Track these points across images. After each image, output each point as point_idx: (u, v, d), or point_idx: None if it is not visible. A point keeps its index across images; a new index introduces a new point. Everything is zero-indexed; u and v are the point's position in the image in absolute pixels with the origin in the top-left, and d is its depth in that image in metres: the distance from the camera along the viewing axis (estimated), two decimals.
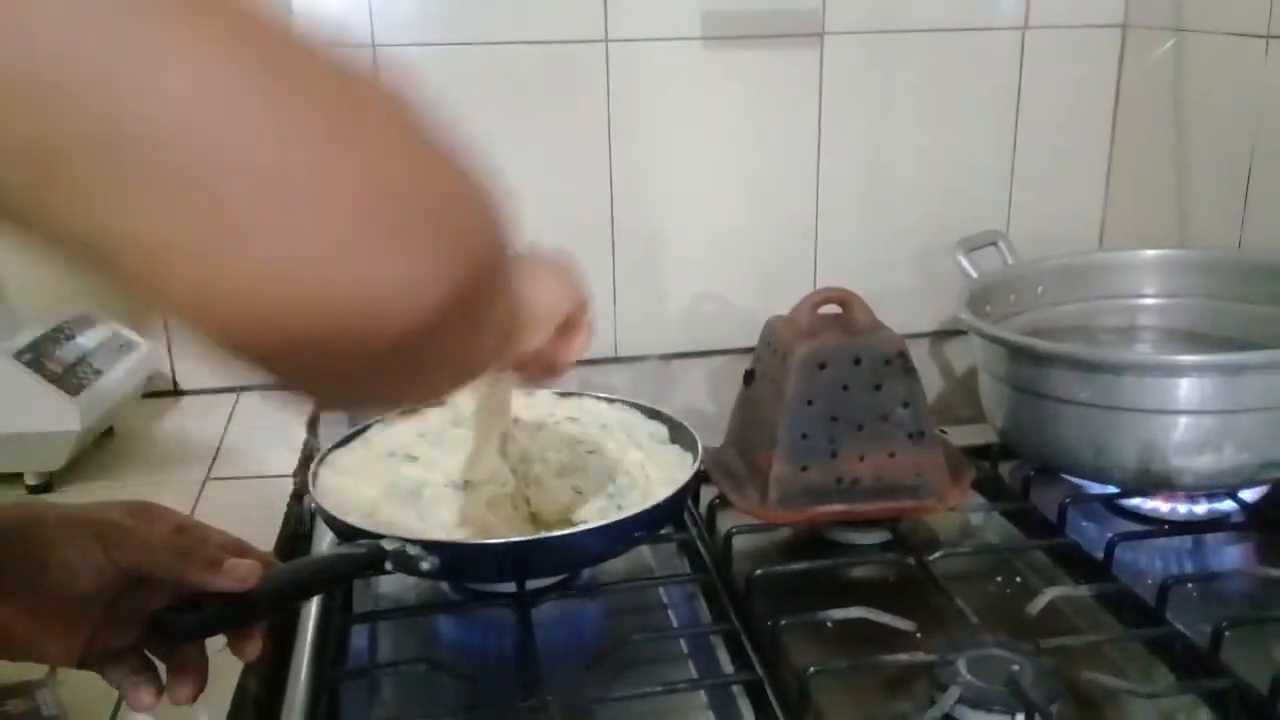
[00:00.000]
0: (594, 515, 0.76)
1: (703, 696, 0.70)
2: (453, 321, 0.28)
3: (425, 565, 0.67)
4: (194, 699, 0.52)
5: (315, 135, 0.25)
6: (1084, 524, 0.89)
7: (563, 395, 0.92)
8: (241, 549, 0.54)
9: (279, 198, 0.24)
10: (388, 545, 0.65)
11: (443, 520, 0.76)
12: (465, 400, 0.81)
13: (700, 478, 0.83)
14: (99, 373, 0.89)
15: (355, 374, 0.28)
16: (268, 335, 0.26)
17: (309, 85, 0.25)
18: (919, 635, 0.71)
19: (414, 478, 0.81)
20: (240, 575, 0.50)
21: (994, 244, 1.06)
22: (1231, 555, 0.86)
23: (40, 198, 0.23)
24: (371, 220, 0.25)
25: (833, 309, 0.85)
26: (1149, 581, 0.77)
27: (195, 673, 0.52)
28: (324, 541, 0.85)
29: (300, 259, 0.25)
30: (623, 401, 0.91)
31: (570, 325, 0.57)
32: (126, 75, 0.22)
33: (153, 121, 0.23)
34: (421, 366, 0.29)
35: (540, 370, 0.60)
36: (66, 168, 0.23)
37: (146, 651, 0.53)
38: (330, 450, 0.84)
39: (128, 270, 0.24)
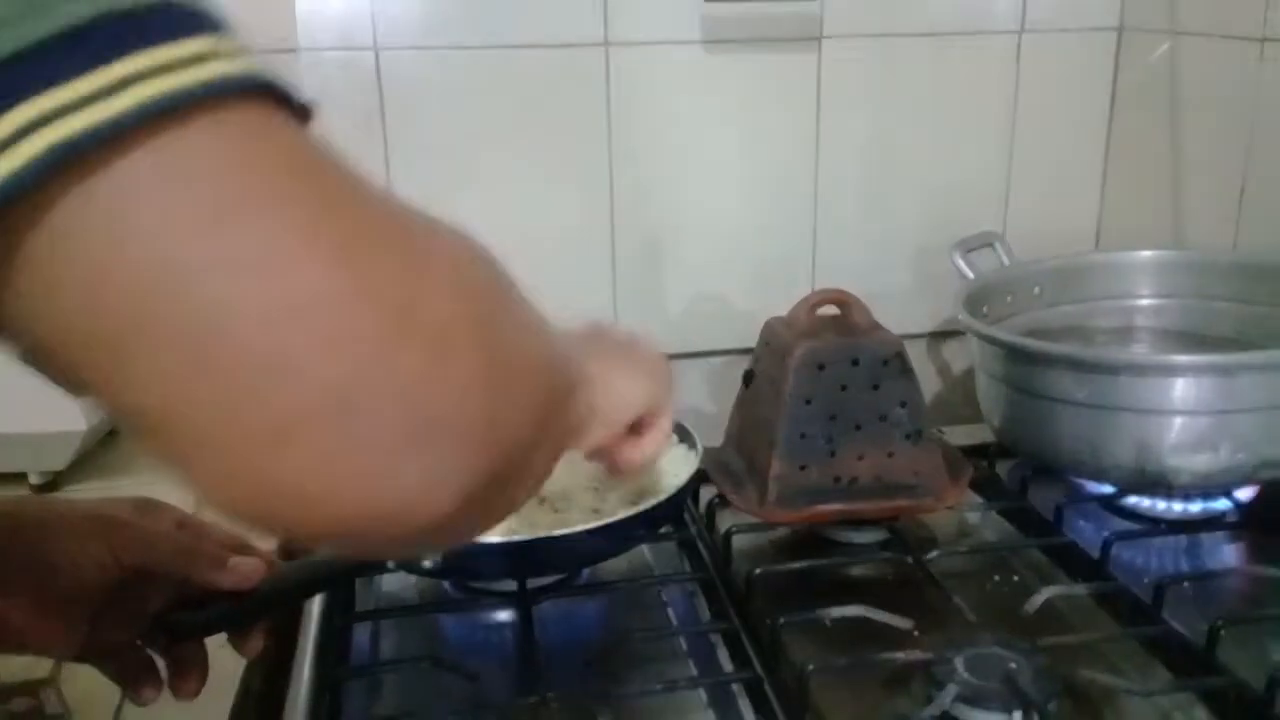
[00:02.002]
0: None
1: (702, 695, 0.70)
2: (489, 494, 0.29)
3: (427, 564, 0.67)
4: (197, 693, 0.52)
5: (370, 345, 0.25)
6: (1081, 523, 0.89)
7: None
8: (243, 545, 0.54)
9: (317, 406, 0.25)
10: None
11: None
12: None
13: (700, 477, 0.83)
14: None
15: (384, 549, 0.29)
16: (288, 525, 0.27)
17: (376, 291, 0.26)
18: (917, 634, 0.71)
19: None
20: (244, 573, 0.51)
21: (991, 245, 1.06)
22: (1227, 554, 0.86)
23: (107, 376, 0.25)
24: (407, 427, 0.26)
25: (831, 310, 0.86)
26: (1145, 580, 0.77)
27: (197, 668, 0.53)
28: None
29: (328, 465, 0.26)
30: None
31: (643, 424, 0.53)
32: (208, 275, 0.24)
33: (221, 323, 0.24)
34: (463, 527, 0.30)
35: (599, 462, 0.55)
36: (139, 356, 0.24)
37: (146, 647, 0.53)
38: None
39: (169, 449, 0.26)
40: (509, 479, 0.31)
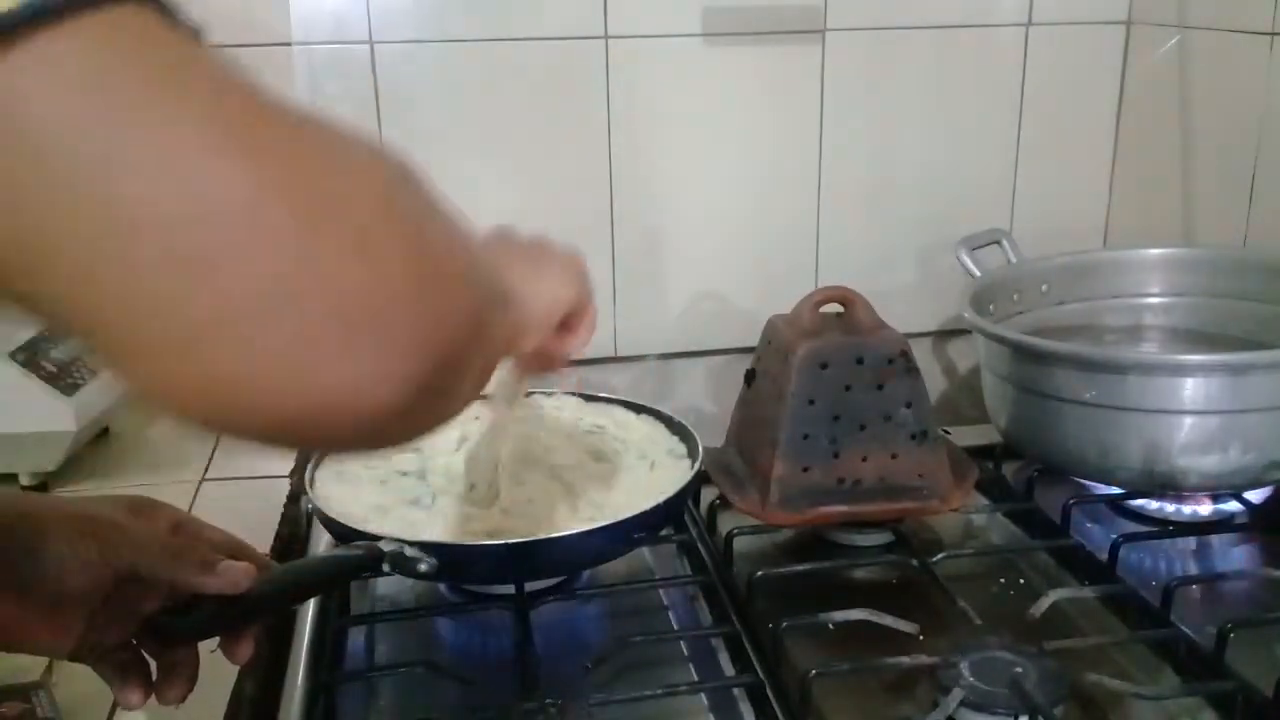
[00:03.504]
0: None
1: (703, 699, 0.69)
2: (427, 394, 0.30)
3: (423, 567, 0.66)
4: (182, 700, 0.52)
5: (289, 241, 0.26)
6: (1088, 525, 0.88)
7: (588, 399, 0.91)
8: (239, 548, 0.54)
9: (244, 301, 0.25)
10: (385, 547, 0.64)
11: (442, 521, 0.75)
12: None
13: (701, 478, 0.82)
14: (94, 372, 0.89)
15: (331, 445, 0.29)
16: (228, 423, 0.27)
17: (290, 189, 0.26)
18: (922, 637, 0.70)
19: (412, 479, 0.80)
20: (233, 578, 0.50)
21: (997, 242, 1.06)
22: (1237, 556, 0.86)
23: (33, 282, 0.25)
24: (336, 323, 0.27)
25: (834, 308, 0.85)
26: (1153, 583, 0.77)
27: (185, 674, 0.52)
28: (321, 543, 0.84)
29: (262, 360, 0.26)
30: (650, 412, 0.89)
31: (570, 322, 0.56)
32: (123, 174, 0.24)
33: (141, 220, 0.24)
34: (404, 426, 0.31)
35: (536, 365, 0.59)
36: (60, 257, 0.25)
37: (140, 648, 0.52)
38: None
39: (105, 352, 0.26)
40: (448, 380, 0.31)
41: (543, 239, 0.54)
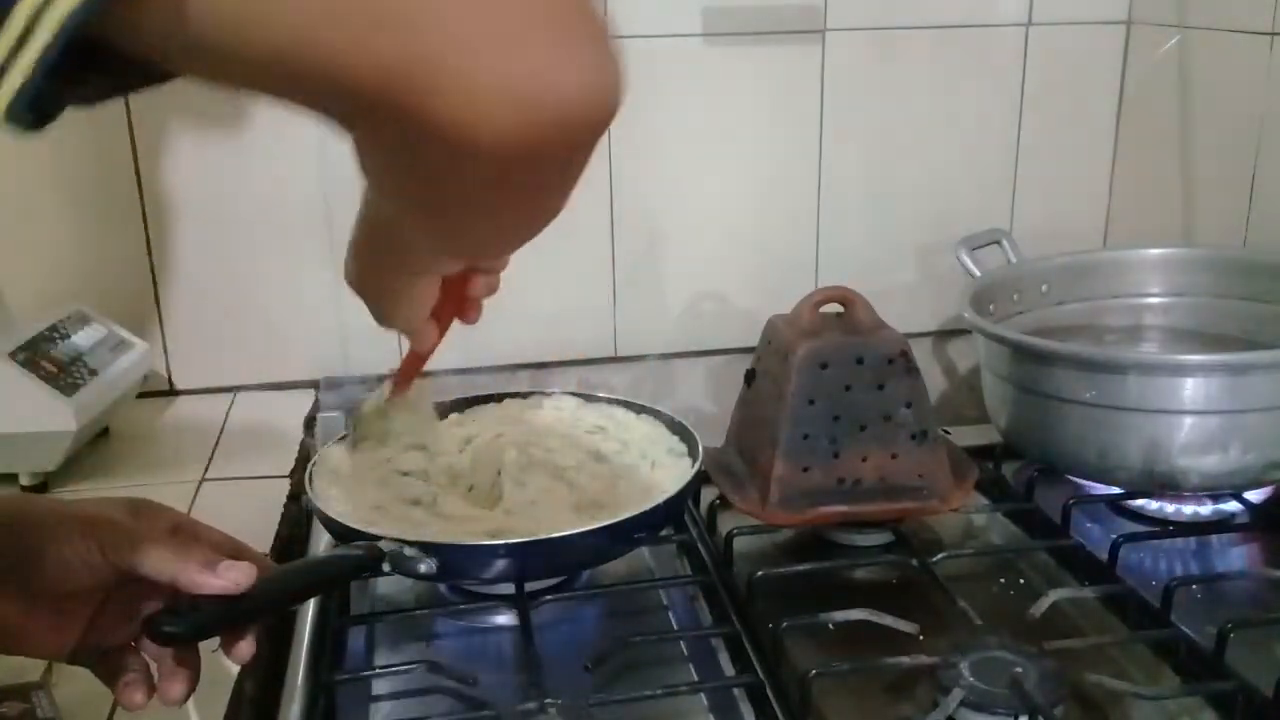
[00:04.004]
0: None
1: (703, 699, 0.69)
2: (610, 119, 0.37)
3: (423, 567, 0.66)
4: (185, 699, 0.52)
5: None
6: (1088, 525, 0.88)
7: (589, 399, 0.91)
8: (238, 549, 0.54)
9: (517, 28, 0.33)
10: (385, 547, 0.65)
11: (442, 521, 0.75)
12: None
13: (701, 478, 0.82)
14: (94, 372, 0.89)
15: (547, 178, 0.37)
16: (512, 130, 0.33)
17: None
18: (922, 638, 0.70)
19: (413, 479, 0.80)
20: (234, 578, 0.50)
21: (997, 242, 1.06)
22: (1237, 557, 0.86)
23: (364, 47, 0.31)
24: (585, 43, 0.34)
25: (835, 308, 0.85)
26: (1153, 583, 0.77)
27: (187, 673, 0.52)
28: (321, 543, 0.84)
29: (543, 69, 0.33)
30: (650, 412, 0.89)
31: None
32: None
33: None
34: (567, 184, 0.38)
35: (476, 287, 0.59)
36: (389, 24, 0.31)
37: (140, 649, 0.52)
38: (327, 451, 0.84)
39: (422, 90, 0.32)
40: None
41: None
